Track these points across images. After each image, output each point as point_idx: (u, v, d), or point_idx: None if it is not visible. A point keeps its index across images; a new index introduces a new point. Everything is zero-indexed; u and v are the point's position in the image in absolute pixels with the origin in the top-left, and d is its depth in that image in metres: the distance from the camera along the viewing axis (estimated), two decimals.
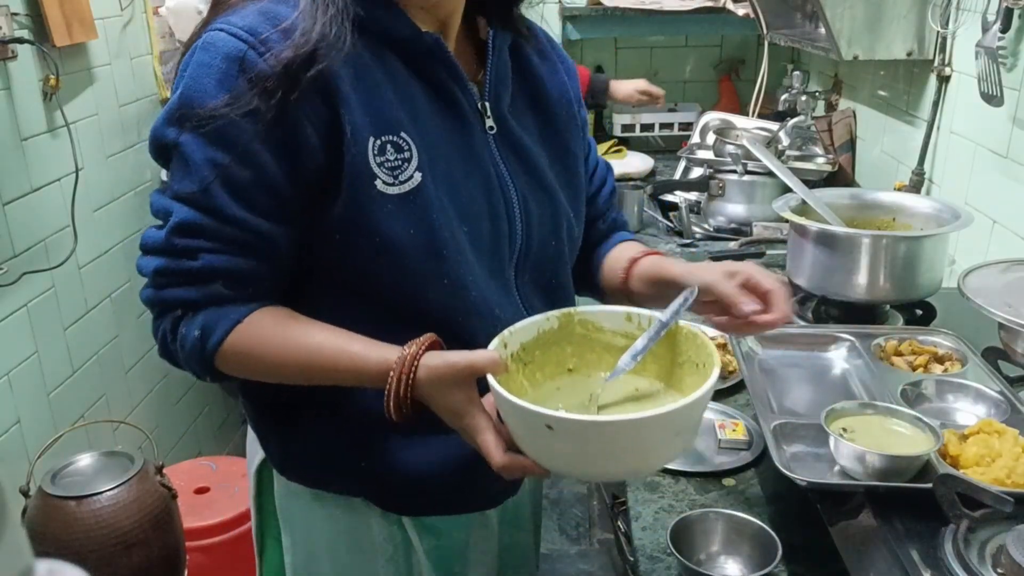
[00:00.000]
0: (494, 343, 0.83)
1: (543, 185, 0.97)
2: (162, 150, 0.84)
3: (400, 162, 0.84)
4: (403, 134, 0.85)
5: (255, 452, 1.02)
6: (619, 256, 1.07)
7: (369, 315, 0.87)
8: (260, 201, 0.82)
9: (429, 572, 1.01)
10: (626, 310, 0.90)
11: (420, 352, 0.81)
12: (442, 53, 0.89)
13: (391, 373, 0.81)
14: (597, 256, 1.11)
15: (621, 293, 1.05)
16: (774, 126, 2.34)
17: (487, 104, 0.93)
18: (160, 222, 0.84)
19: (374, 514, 0.98)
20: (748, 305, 0.89)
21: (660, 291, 0.99)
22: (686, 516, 1.02)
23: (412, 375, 0.80)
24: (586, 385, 0.89)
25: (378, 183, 0.83)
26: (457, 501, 0.99)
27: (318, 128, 0.81)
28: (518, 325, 0.85)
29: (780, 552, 0.95)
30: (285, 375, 0.87)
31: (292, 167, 0.82)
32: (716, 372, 0.79)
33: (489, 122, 0.93)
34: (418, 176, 0.85)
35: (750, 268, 0.93)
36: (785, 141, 2.19)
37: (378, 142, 0.83)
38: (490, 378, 0.78)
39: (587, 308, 0.91)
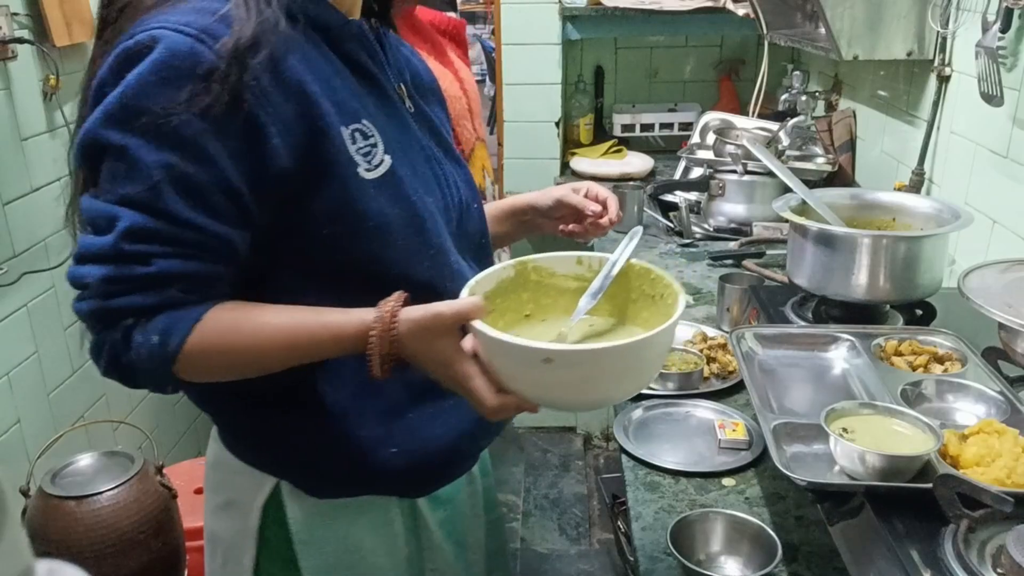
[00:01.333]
0: (464, 292, 0.86)
1: (454, 157, 1.05)
2: (96, 153, 0.80)
3: (369, 148, 0.88)
4: (364, 121, 0.88)
5: (256, 491, 0.98)
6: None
7: (340, 299, 0.86)
8: (216, 203, 0.80)
9: (440, 543, 1.05)
10: (576, 254, 0.96)
11: (397, 307, 0.82)
12: (366, 39, 0.93)
13: (372, 331, 0.81)
14: None
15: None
16: (774, 126, 2.34)
17: (402, 86, 0.99)
18: (93, 229, 0.80)
19: (392, 505, 1.00)
20: (592, 207, 1.12)
21: (519, 221, 1.20)
22: (686, 516, 1.02)
23: (394, 329, 0.81)
24: (544, 329, 0.93)
25: (359, 170, 0.86)
26: (459, 466, 1.05)
27: (281, 128, 0.81)
28: (479, 276, 0.91)
29: (780, 552, 0.95)
30: (261, 362, 0.85)
31: (250, 168, 0.81)
32: (683, 296, 0.85)
33: (408, 103, 0.99)
34: (387, 159, 0.89)
35: (588, 183, 1.17)
36: (785, 141, 2.19)
37: (348, 131, 0.86)
38: (478, 323, 0.81)
39: (539, 256, 0.96)
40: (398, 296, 0.84)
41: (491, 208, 1.18)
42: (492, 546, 1.19)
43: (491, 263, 1.02)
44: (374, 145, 0.88)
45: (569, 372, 0.78)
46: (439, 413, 0.97)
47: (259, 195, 0.82)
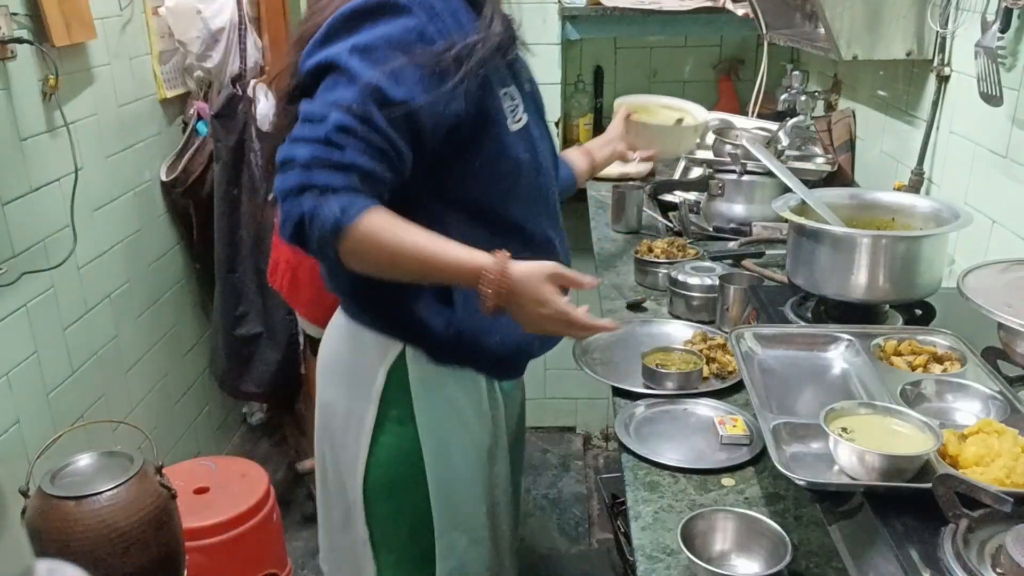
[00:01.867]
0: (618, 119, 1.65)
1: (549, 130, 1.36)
2: (325, 69, 1.06)
3: (514, 107, 1.19)
4: (512, 86, 1.20)
5: (384, 356, 1.24)
6: (575, 160, 1.65)
7: (465, 233, 1.12)
8: (402, 124, 1.05)
9: (501, 423, 1.33)
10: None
11: (508, 256, 1.07)
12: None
13: (487, 270, 1.04)
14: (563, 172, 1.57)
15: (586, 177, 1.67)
16: (774, 126, 2.34)
17: (524, 61, 1.28)
18: (308, 122, 1.04)
19: (481, 381, 1.29)
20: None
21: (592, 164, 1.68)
22: (697, 514, 1.02)
23: (507, 270, 1.04)
24: None
25: (508, 122, 1.18)
26: (525, 365, 1.40)
27: (471, 88, 1.09)
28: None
29: (790, 551, 0.95)
30: (396, 267, 1.07)
31: (436, 104, 1.07)
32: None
33: (527, 84, 1.28)
34: (525, 117, 1.21)
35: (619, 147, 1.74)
36: (785, 141, 2.19)
37: (502, 92, 1.18)
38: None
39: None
40: (506, 252, 1.08)
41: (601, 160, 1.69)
42: (517, 454, 1.49)
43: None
44: (517, 106, 1.20)
45: None
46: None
47: (435, 126, 1.08)
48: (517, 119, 1.19)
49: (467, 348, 1.24)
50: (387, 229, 1.04)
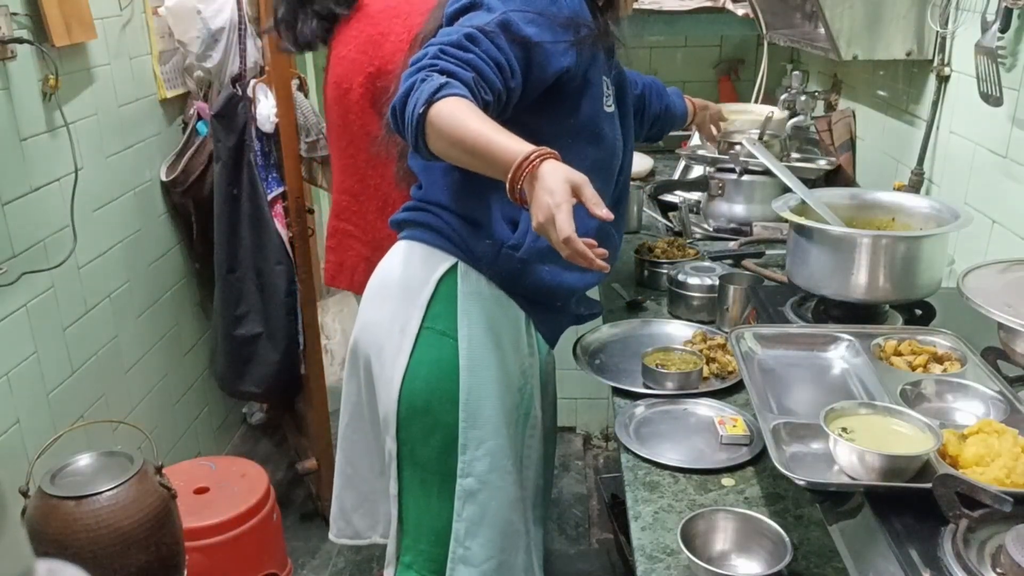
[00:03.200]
0: None
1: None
2: (468, 7, 1.21)
3: (608, 95, 1.36)
4: (605, 78, 1.35)
5: (435, 268, 1.33)
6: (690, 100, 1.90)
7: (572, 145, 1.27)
8: (520, 56, 1.18)
9: (536, 371, 1.40)
10: None
11: (553, 153, 1.10)
12: None
13: (525, 155, 1.07)
14: (675, 100, 1.86)
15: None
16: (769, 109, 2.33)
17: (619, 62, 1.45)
18: (447, 34, 1.16)
19: (522, 320, 1.37)
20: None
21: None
22: (697, 514, 1.02)
23: (543, 157, 1.07)
24: None
25: (605, 101, 1.34)
26: (565, 324, 1.48)
27: (580, 49, 1.25)
28: None
29: (790, 551, 0.95)
30: (460, 142, 1.10)
31: (553, 59, 1.22)
32: None
33: (620, 75, 1.45)
34: (614, 106, 1.39)
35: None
36: (781, 124, 2.19)
37: (604, 80, 1.35)
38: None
39: None
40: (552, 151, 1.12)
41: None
42: (549, 423, 1.54)
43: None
44: (610, 95, 1.37)
45: None
46: (575, 276, 1.36)
47: (547, 67, 1.22)
48: (609, 104, 1.35)
49: (518, 272, 1.33)
50: (462, 110, 1.09)
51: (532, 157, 1.06)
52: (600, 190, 1.20)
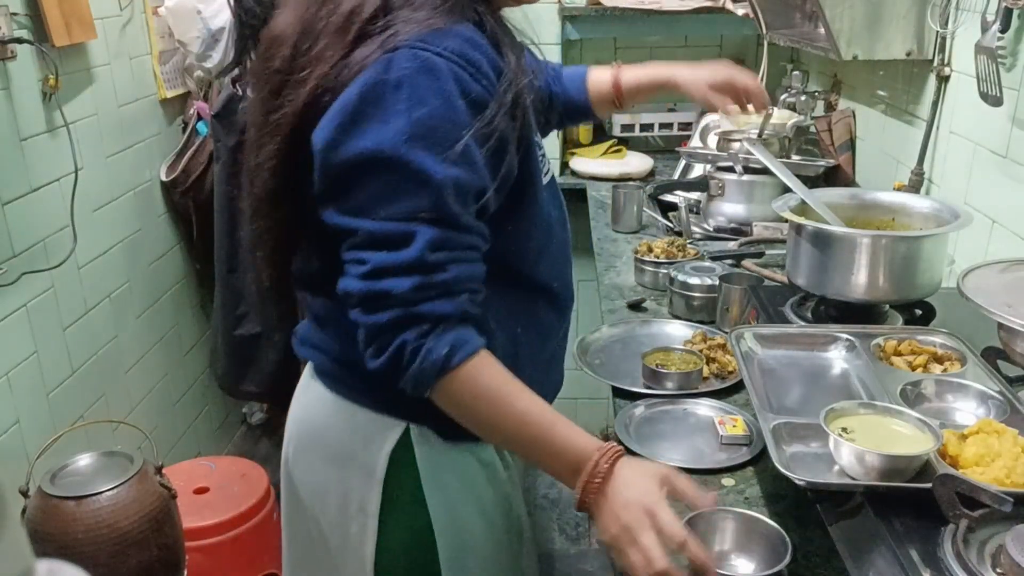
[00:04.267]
0: None
1: None
2: (371, 164, 0.88)
3: (541, 156, 1.07)
4: (536, 138, 1.06)
5: (384, 438, 1.07)
6: (597, 79, 1.34)
7: (502, 291, 1.01)
8: (472, 206, 0.92)
9: (513, 473, 1.18)
10: None
11: (618, 449, 0.93)
12: None
13: (593, 456, 0.91)
14: (571, 88, 1.34)
15: (611, 104, 1.35)
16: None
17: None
18: (386, 246, 0.89)
19: (495, 450, 1.13)
20: (730, 105, 1.35)
21: (654, 94, 1.37)
22: (697, 514, 1.02)
23: (615, 457, 0.91)
24: None
25: (541, 175, 1.05)
26: None
27: (517, 144, 0.96)
28: None
29: (790, 551, 0.95)
30: (495, 420, 0.94)
31: (498, 177, 0.94)
32: None
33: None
34: (549, 167, 1.10)
35: (726, 74, 1.34)
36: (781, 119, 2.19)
37: (535, 142, 1.04)
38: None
39: None
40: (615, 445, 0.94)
41: (629, 80, 1.33)
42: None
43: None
44: (544, 157, 1.08)
45: None
46: (540, 383, 1.05)
47: (497, 200, 0.96)
48: (546, 171, 1.08)
49: None
50: (495, 380, 0.93)
51: (607, 457, 0.90)
52: (566, 271, 1.12)
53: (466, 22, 0.94)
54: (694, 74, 1.34)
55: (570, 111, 1.36)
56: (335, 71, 0.90)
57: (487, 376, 0.92)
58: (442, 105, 0.88)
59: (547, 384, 1.16)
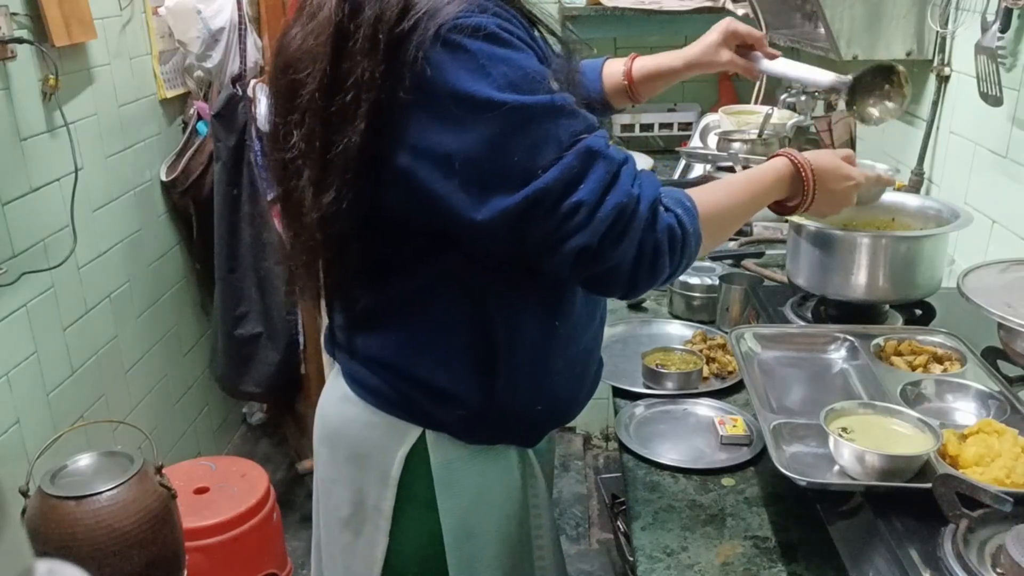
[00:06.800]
0: None
1: None
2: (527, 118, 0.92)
3: None
4: None
5: (400, 442, 1.08)
6: (611, 69, 1.37)
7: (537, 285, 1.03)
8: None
9: (539, 483, 1.16)
10: None
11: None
12: None
13: (797, 163, 1.11)
14: (588, 78, 1.32)
15: (624, 94, 1.37)
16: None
17: None
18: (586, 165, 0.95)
19: (512, 451, 1.11)
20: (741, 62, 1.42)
21: (667, 81, 1.42)
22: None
23: (794, 159, 1.12)
24: None
25: None
26: (565, 423, 1.22)
27: None
28: None
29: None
30: (737, 214, 1.09)
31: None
32: None
33: None
34: None
35: (724, 27, 1.38)
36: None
37: None
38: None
39: None
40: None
41: (639, 70, 1.37)
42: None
43: None
44: None
45: None
46: (579, 378, 1.15)
47: None
48: None
49: (505, 421, 1.09)
50: (709, 192, 1.06)
51: (796, 167, 1.10)
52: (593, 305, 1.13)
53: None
54: (701, 44, 1.40)
55: (587, 101, 1.36)
56: (384, 82, 0.87)
57: (706, 193, 1.04)
58: (522, 62, 0.91)
59: (587, 378, 1.19)
